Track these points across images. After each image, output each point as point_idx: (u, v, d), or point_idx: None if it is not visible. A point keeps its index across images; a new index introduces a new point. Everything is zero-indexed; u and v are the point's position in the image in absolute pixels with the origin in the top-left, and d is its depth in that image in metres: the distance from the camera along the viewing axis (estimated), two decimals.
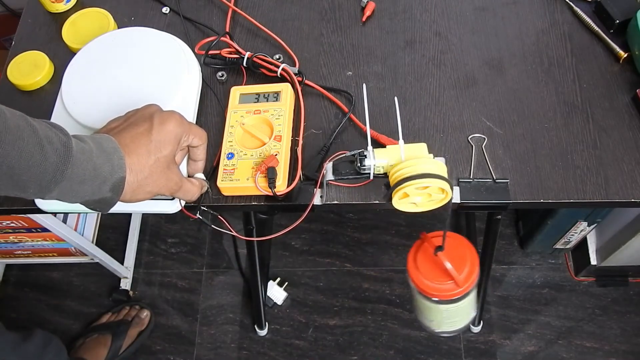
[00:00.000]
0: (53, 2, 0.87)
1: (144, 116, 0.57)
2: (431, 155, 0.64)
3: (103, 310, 1.37)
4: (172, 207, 0.66)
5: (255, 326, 1.32)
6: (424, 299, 0.63)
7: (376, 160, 0.63)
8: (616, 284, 1.31)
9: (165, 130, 0.56)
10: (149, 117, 0.56)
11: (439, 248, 0.60)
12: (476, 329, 1.29)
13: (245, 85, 0.76)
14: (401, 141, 0.63)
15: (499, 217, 1.10)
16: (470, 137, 0.70)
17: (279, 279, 1.36)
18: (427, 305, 0.65)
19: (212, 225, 0.70)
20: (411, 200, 0.63)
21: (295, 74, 0.74)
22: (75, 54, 0.75)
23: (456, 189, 0.66)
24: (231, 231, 0.69)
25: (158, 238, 1.47)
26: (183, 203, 0.66)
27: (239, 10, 0.83)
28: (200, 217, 0.66)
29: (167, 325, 1.36)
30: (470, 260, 0.61)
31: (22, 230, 1.12)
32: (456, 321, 0.68)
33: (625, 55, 0.74)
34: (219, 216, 0.68)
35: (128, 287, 1.39)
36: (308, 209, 0.65)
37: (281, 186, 0.65)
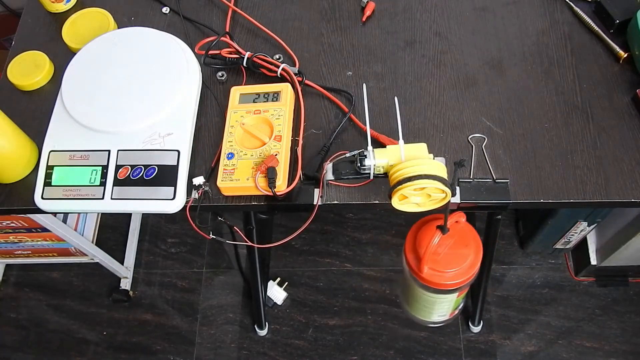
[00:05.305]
0: (53, 2, 0.87)
1: None
2: (431, 155, 0.64)
3: (103, 310, 1.37)
4: (172, 207, 0.66)
5: (255, 326, 1.32)
6: (416, 285, 0.62)
7: (376, 160, 0.63)
8: (616, 284, 1.31)
9: None
10: None
11: (442, 228, 0.57)
12: (476, 329, 1.29)
13: (245, 85, 0.76)
14: (401, 141, 0.63)
15: (499, 217, 1.10)
16: (470, 137, 0.70)
17: (279, 279, 1.36)
18: (417, 290, 0.63)
19: (228, 241, 0.70)
20: (411, 200, 0.62)
21: (295, 74, 0.74)
22: (75, 54, 0.75)
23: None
24: (246, 242, 0.69)
25: (158, 238, 1.47)
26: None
27: (239, 10, 0.83)
28: (214, 237, 0.66)
29: (167, 325, 1.36)
30: (472, 259, 0.59)
31: (22, 230, 1.11)
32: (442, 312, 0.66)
33: (625, 55, 0.74)
34: (235, 227, 0.69)
35: (128, 287, 1.39)
36: (315, 211, 0.65)
37: (281, 186, 0.65)
